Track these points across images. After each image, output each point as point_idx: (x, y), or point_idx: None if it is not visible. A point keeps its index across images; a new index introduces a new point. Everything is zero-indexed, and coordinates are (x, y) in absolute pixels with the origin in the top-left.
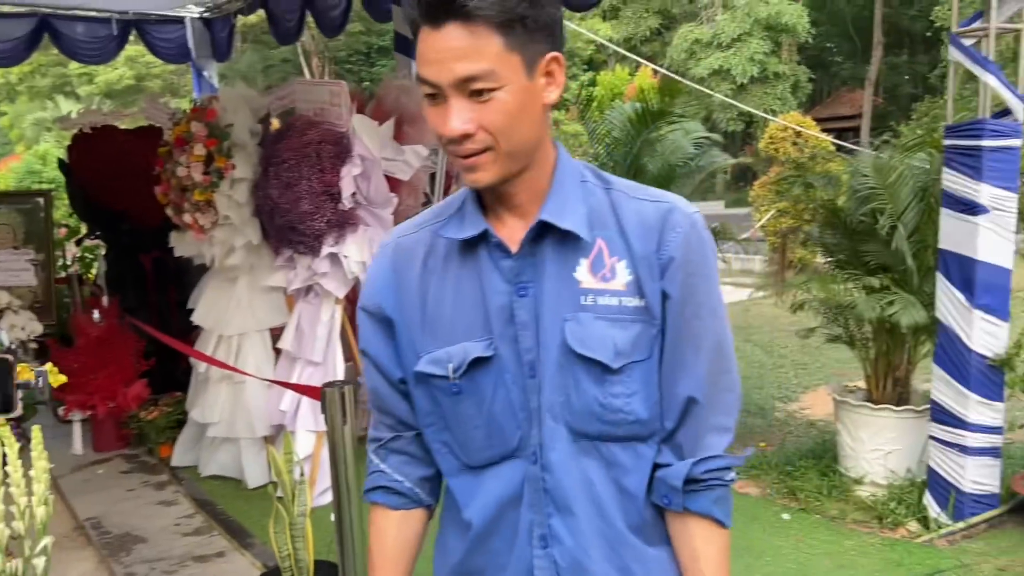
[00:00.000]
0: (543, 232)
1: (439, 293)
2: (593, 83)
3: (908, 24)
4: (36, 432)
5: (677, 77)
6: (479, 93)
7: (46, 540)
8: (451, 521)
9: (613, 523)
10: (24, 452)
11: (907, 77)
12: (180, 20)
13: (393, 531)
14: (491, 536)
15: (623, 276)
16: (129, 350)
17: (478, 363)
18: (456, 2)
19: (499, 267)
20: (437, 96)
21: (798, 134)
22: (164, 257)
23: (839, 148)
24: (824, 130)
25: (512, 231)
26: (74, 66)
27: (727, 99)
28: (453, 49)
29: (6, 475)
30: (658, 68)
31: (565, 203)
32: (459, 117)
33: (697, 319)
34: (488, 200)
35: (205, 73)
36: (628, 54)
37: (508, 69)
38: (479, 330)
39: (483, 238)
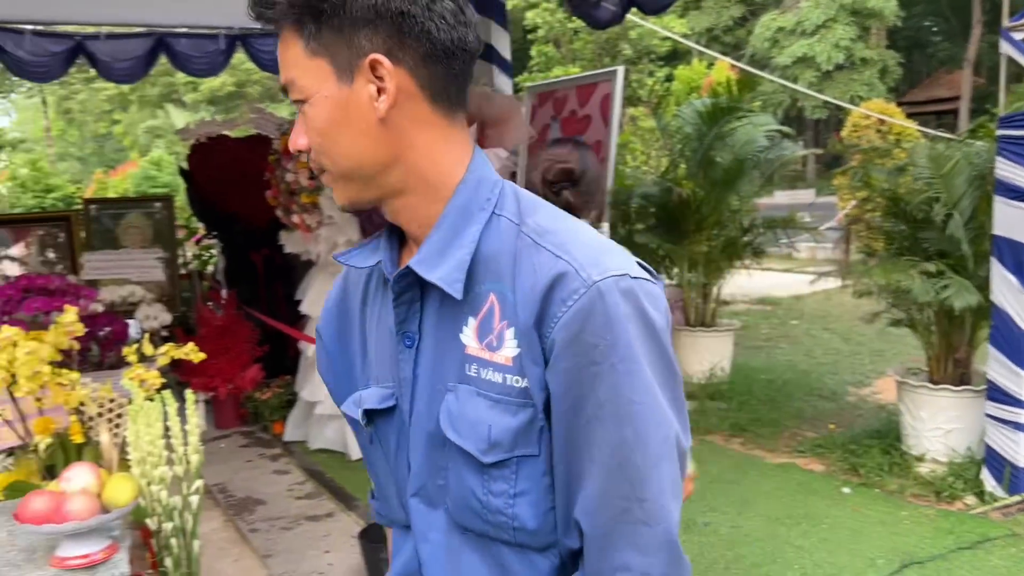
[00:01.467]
0: (418, 277)
1: (371, 324)
2: (670, 78)
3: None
4: (189, 395)
5: (753, 70)
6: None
7: (199, 482)
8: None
9: None
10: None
11: None
12: None
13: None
14: None
15: (510, 348)
16: (245, 338)
17: (379, 412)
18: (256, 6)
19: (393, 307)
20: None
21: (882, 121)
22: (272, 255)
23: (926, 134)
24: (921, 113)
25: None
26: (180, 75)
27: (805, 90)
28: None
29: (167, 429)
30: (735, 62)
31: (446, 245)
32: (296, 131)
33: (597, 422)
34: None
35: None
36: (704, 50)
37: (310, 77)
38: (387, 374)
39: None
